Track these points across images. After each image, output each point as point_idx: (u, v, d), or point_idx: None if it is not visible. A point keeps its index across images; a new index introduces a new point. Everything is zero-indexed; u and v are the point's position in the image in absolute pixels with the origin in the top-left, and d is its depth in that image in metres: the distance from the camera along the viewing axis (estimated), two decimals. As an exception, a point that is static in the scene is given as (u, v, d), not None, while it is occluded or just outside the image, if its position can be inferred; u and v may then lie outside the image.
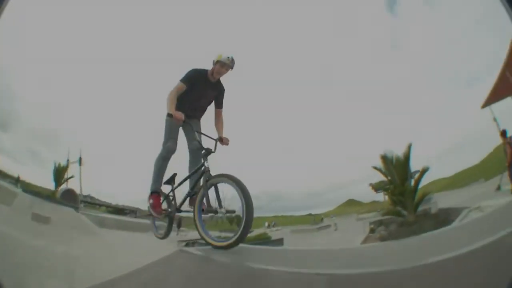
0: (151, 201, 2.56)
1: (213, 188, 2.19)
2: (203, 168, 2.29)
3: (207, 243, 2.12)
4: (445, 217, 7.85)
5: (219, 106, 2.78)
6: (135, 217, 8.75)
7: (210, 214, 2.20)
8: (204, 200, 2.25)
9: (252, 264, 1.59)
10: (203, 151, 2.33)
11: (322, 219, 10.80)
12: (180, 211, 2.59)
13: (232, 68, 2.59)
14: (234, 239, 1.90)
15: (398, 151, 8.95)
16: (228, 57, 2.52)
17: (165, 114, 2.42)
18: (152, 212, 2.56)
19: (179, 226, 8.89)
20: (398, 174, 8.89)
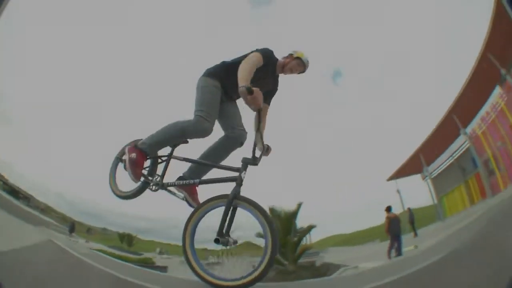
0: (133, 155, 1.91)
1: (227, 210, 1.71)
2: (235, 176, 1.76)
3: (204, 280, 1.63)
4: (325, 271, 8.69)
5: (269, 102, 2.26)
6: (27, 205, 8.10)
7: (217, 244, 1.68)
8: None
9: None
10: (247, 159, 1.79)
11: (218, 256, 10.60)
12: (166, 189, 1.96)
13: (302, 72, 2.21)
14: (253, 276, 1.52)
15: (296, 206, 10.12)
16: (308, 61, 2.17)
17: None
18: (129, 171, 1.89)
19: (71, 231, 8.28)
20: (282, 227, 9.82)
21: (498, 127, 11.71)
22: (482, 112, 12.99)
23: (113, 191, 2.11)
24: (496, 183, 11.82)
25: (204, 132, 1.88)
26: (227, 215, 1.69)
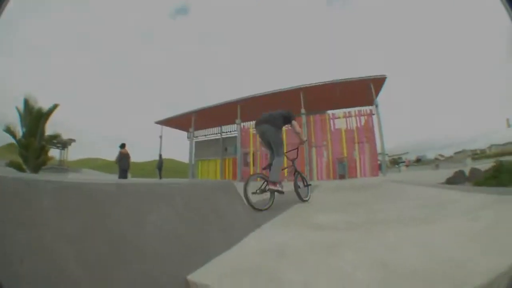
0: (279, 185, 3.03)
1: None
2: (292, 166, 3.54)
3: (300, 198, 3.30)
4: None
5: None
6: None
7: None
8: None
9: None
10: (294, 159, 3.58)
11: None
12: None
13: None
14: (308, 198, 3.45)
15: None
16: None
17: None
18: (280, 194, 3.07)
19: None
20: (30, 125, 7.97)
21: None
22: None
23: (253, 206, 2.60)
24: (248, 172, 15.83)
25: None
26: (297, 178, 3.44)
